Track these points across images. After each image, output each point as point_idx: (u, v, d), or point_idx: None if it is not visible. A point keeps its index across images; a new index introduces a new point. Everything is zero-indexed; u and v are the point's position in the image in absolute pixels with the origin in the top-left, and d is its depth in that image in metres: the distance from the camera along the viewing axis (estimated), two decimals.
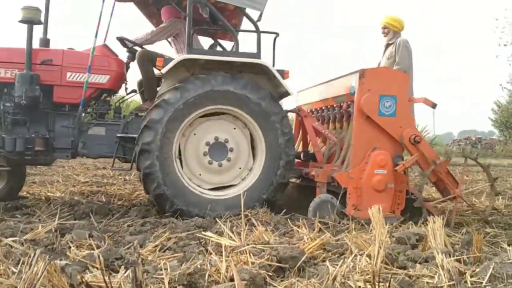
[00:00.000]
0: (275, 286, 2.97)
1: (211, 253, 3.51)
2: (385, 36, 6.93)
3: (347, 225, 4.78)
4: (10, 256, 3.27)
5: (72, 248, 3.64)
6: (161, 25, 6.31)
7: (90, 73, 5.69)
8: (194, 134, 5.61)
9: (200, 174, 5.62)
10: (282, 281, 3.12)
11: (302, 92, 7.38)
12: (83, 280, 2.38)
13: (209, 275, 3.02)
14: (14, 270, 2.96)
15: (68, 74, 5.71)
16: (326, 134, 6.26)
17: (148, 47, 6.28)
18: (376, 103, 5.39)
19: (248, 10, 5.89)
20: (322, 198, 5.41)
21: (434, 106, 5.65)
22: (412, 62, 6.65)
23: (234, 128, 5.71)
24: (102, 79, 5.80)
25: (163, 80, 5.75)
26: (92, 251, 3.52)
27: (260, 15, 5.94)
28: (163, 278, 2.93)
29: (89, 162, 13.17)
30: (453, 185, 5.48)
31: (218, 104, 5.50)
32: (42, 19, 5.78)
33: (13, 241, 3.65)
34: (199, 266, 3.15)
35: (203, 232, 4.14)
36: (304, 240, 3.90)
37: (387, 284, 2.68)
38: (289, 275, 3.25)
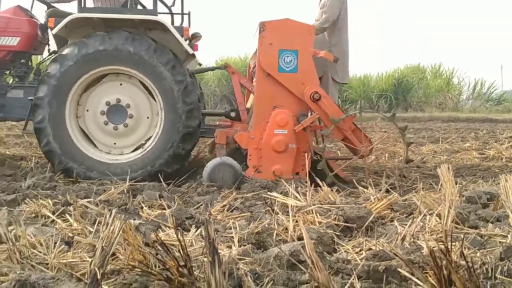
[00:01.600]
0: (343, 246, 2.98)
1: (277, 213, 3.55)
2: None
3: (415, 185, 4.70)
4: (86, 217, 3.43)
5: (144, 208, 3.77)
6: None
7: None
8: (87, 110, 5.46)
9: (94, 133, 5.48)
10: (350, 240, 3.13)
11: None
12: (158, 238, 2.47)
13: (276, 234, 3.07)
14: (91, 229, 3.11)
15: None
16: (253, 91, 5.93)
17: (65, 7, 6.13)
18: (275, 58, 5.05)
19: None
20: (216, 161, 5.05)
21: (335, 60, 5.25)
22: (345, 11, 6.05)
23: (121, 84, 5.48)
24: (11, 41, 5.71)
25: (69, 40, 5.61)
26: (164, 211, 3.65)
27: None
28: (232, 237, 3.01)
29: None
30: (363, 143, 5.07)
31: (101, 66, 5.29)
32: None
33: (88, 202, 3.82)
34: (266, 226, 3.20)
35: (268, 193, 4.17)
36: (371, 200, 3.87)
37: (460, 243, 2.63)
38: (357, 234, 3.25)
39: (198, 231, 3.16)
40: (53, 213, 3.49)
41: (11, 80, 6.17)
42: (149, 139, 5.46)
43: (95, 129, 5.46)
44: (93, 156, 5.35)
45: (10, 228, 2.85)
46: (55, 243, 2.73)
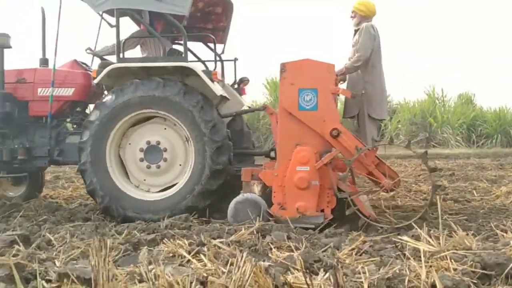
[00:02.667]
0: None
1: (408, 258, 3.44)
2: (352, 20, 6.22)
3: None
4: (219, 257, 3.57)
5: (273, 249, 3.84)
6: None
7: (53, 87, 6.21)
8: (129, 144, 5.88)
9: (144, 180, 5.87)
10: None
11: None
12: (286, 281, 2.51)
13: (408, 280, 2.97)
14: (224, 270, 3.22)
15: (39, 89, 6.35)
16: None
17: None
18: (295, 97, 5.12)
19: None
20: (240, 199, 5.19)
21: (352, 96, 5.41)
22: (378, 48, 5.97)
23: (165, 129, 5.85)
24: (67, 91, 6.33)
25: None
26: (292, 253, 3.68)
27: (185, 19, 5.94)
28: (362, 282, 2.96)
29: None
30: (392, 176, 4.97)
31: (136, 111, 5.70)
32: (40, 41, 6.47)
33: (220, 242, 3.97)
34: (397, 271, 3.11)
35: (399, 236, 4.07)
36: (511, 245, 3.62)
37: None
38: (496, 282, 3.06)
39: (327, 274, 3.15)
40: (189, 253, 3.67)
41: (70, 127, 6.77)
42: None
43: (144, 176, 5.88)
44: (130, 193, 5.76)
45: (150, 267, 3.06)
46: (191, 283, 2.87)
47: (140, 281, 3.08)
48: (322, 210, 5.09)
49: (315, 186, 5.05)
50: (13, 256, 3.73)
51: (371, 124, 5.99)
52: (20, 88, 6.40)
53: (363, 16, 6.09)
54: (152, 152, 5.82)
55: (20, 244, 4.07)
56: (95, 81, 5.97)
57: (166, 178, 5.89)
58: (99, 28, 6.74)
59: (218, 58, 7.01)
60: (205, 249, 3.74)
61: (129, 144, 5.90)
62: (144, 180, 5.89)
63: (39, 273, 3.12)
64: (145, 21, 6.49)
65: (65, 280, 3.00)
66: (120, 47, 5.99)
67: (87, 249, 3.98)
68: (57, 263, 3.58)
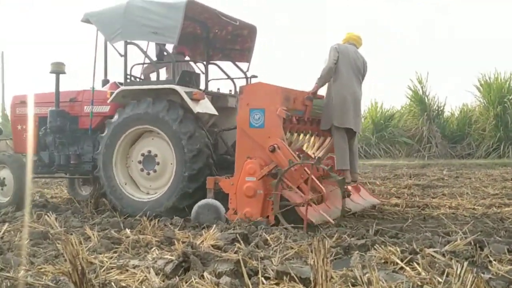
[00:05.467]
0: None
1: None
2: None
3: None
4: (433, 266, 3.47)
5: (494, 262, 3.60)
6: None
7: (93, 105, 7.30)
8: (136, 147, 6.86)
9: (137, 181, 6.88)
10: None
11: None
12: None
13: None
14: (439, 279, 3.13)
15: (85, 107, 7.52)
16: None
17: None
18: (247, 116, 5.85)
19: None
20: (202, 203, 5.93)
21: (286, 116, 5.77)
22: (344, 59, 6.45)
23: (152, 139, 6.75)
24: (104, 108, 7.35)
25: None
26: None
27: (175, 47, 7.05)
28: None
29: (496, 173, 12.75)
30: (318, 191, 5.59)
31: (142, 124, 6.64)
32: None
33: (434, 251, 3.84)
34: None
35: None
36: None
37: None
38: None
39: None
40: (401, 260, 3.63)
41: None
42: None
43: (138, 177, 6.87)
44: (131, 196, 6.73)
45: (364, 271, 3.09)
46: None
47: (354, 285, 3.14)
48: (267, 217, 5.68)
49: (260, 195, 5.73)
50: (235, 253, 4.07)
51: (337, 134, 6.43)
52: (72, 106, 7.70)
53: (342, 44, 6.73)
54: (148, 160, 6.75)
55: (241, 242, 4.43)
56: (108, 101, 7.07)
57: (154, 184, 6.79)
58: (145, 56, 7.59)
59: (244, 76, 8.07)
60: (418, 257, 3.66)
61: (136, 147, 6.88)
62: (150, 186, 6.82)
63: (259, 270, 3.35)
64: (157, 50, 7.80)
65: (284, 278, 3.18)
66: (126, 72, 7.04)
67: (300, 250, 4.17)
68: (274, 262, 3.81)
